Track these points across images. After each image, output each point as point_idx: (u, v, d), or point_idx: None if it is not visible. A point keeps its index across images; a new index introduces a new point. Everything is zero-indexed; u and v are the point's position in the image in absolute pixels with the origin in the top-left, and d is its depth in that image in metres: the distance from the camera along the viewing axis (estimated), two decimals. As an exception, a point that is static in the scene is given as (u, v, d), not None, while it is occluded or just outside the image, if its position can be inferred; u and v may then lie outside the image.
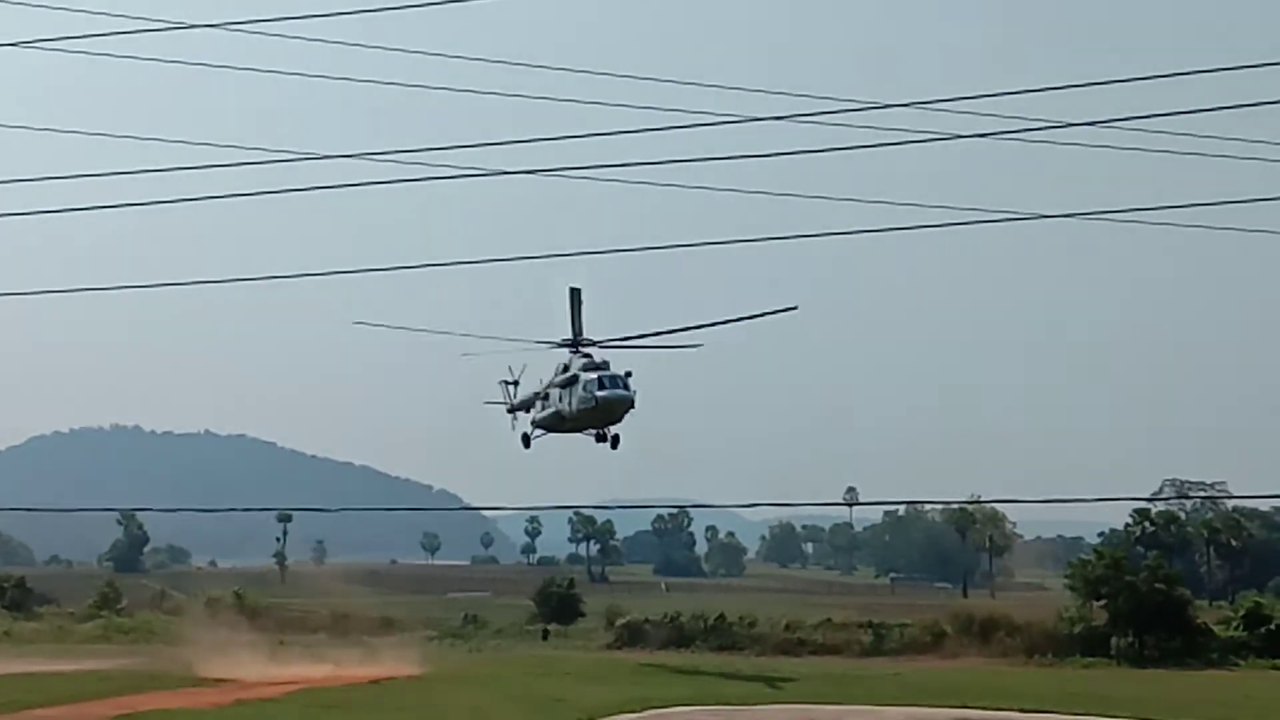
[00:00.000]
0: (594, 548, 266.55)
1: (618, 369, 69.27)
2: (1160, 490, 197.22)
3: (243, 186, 25.53)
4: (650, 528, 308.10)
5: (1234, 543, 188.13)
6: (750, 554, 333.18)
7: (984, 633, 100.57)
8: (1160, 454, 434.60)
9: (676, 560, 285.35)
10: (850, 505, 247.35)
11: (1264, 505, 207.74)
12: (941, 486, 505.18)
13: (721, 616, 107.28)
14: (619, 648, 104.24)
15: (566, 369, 70.75)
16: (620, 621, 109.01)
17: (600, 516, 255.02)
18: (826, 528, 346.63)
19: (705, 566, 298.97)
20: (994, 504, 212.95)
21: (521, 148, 24.42)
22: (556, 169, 25.97)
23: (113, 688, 67.85)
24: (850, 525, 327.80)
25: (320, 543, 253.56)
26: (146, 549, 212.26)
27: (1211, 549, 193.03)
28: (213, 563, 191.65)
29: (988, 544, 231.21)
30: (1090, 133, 24.60)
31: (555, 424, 72.56)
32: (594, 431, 71.43)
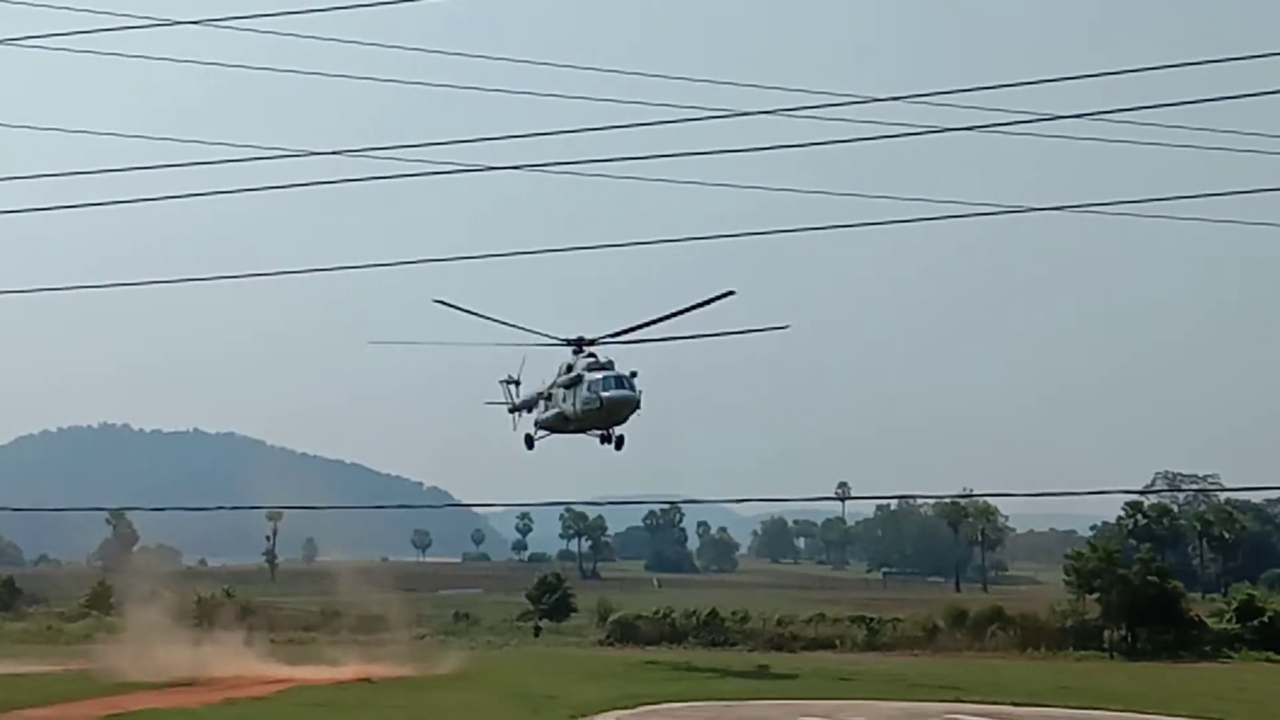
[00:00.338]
0: (585, 544, 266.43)
1: (621, 368, 68.50)
2: (1153, 483, 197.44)
3: (226, 184, 25.50)
4: (642, 524, 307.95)
5: (1226, 535, 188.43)
6: (742, 549, 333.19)
7: (977, 626, 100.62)
8: (1153, 447, 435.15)
9: (668, 556, 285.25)
10: (842, 500, 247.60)
11: (1256, 498, 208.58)
12: (933, 480, 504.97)
13: (714, 612, 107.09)
14: (611, 644, 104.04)
15: (570, 369, 69.94)
16: (612, 618, 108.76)
17: (591, 513, 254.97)
18: (818, 522, 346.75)
19: (697, 562, 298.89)
20: (986, 497, 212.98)
21: (503, 143, 24.36)
22: (541, 164, 25.90)
23: (102, 687, 67.43)
24: (842, 520, 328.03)
25: (310, 540, 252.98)
26: (136, 548, 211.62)
27: (1204, 542, 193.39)
28: (203, 561, 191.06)
29: (980, 538, 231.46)
30: (1079, 125, 24.53)
31: (559, 425, 71.76)
32: (598, 432, 70.70)
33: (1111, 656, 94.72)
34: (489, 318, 65.74)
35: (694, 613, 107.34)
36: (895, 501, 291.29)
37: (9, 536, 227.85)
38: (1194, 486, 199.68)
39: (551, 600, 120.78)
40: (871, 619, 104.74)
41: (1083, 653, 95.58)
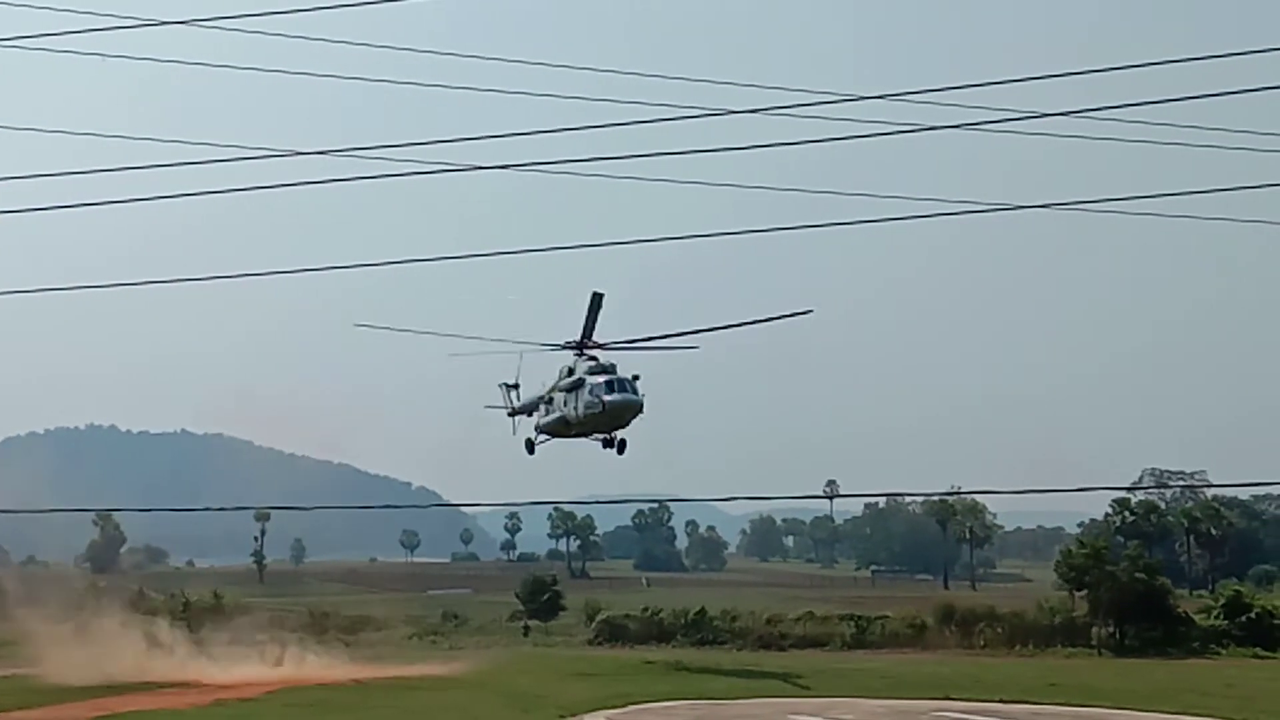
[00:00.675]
0: (574, 543, 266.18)
1: (624, 372, 67.89)
2: (1140, 480, 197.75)
3: (214, 184, 25.31)
4: (630, 523, 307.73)
5: (1214, 532, 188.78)
6: (731, 548, 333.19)
7: (965, 624, 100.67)
8: (1140, 443, 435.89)
9: (657, 555, 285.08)
10: (830, 498, 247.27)
11: (1243, 494, 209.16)
12: (921, 478, 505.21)
13: (702, 611, 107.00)
14: (600, 644, 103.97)
15: (571, 372, 69.17)
16: (600, 617, 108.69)
17: (580, 512, 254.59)
18: (807, 521, 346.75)
19: (686, 561, 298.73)
20: (974, 495, 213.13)
21: (492, 143, 24.27)
22: (531, 164, 25.62)
23: (91, 689, 67.34)
24: (830, 518, 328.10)
25: (299, 541, 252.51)
26: (124, 549, 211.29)
27: (1191, 538, 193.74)
28: (190, 563, 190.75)
29: (968, 535, 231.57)
30: (1066, 123, 24.47)
31: (560, 429, 71.00)
32: (600, 436, 70.12)
33: (1099, 653, 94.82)
34: (416, 330, 66.20)
35: (682, 612, 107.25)
36: (883, 499, 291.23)
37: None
38: (1181, 483, 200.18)
39: (540, 600, 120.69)
40: (860, 617, 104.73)
41: (1071, 650, 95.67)
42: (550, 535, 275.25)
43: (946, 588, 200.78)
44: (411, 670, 79.52)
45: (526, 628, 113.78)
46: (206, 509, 47.17)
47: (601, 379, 67.11)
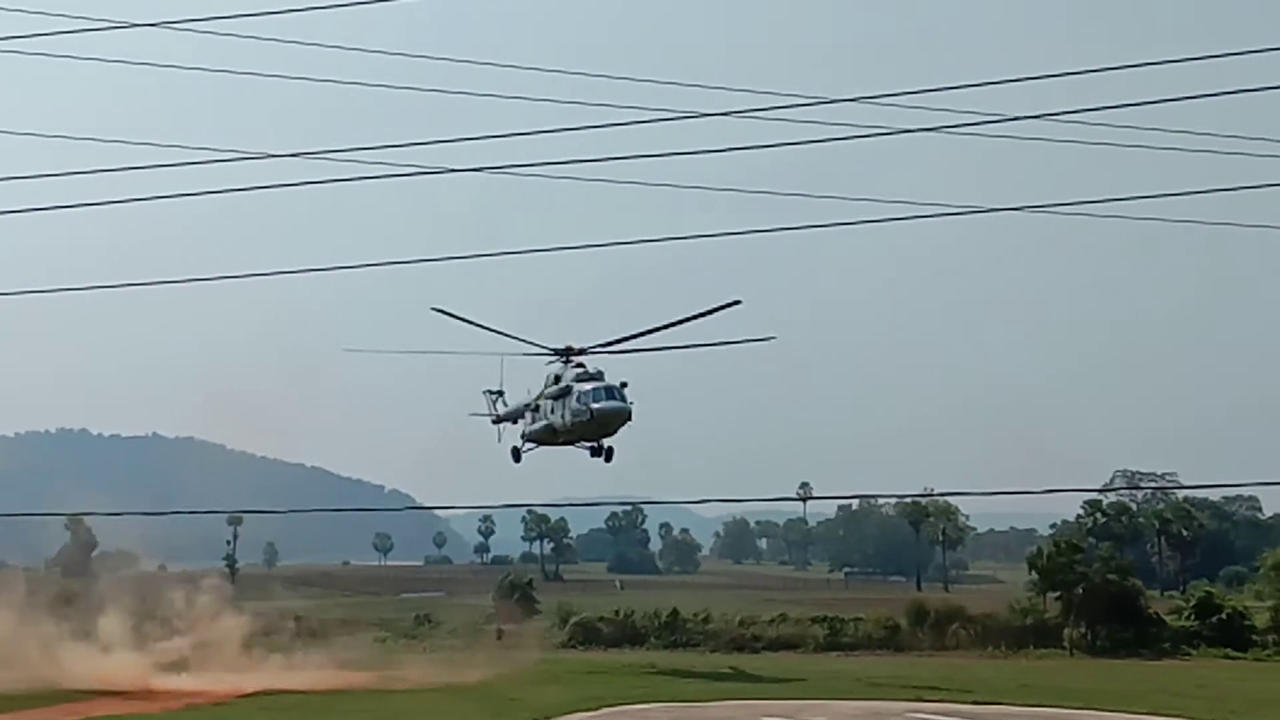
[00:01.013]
0: (548, 546, 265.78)
1: (611, 379, 67.30)
2: (1111, 481, 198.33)
3: (187, 187, 25.18)
4: (604, 525, 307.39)
5: (1185, 533, 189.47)
6: (704, 550, 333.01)
7: (938, 626, 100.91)
8: (1112, 445, 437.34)
9: (630, 558, 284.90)
10: (804, 500, 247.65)
11: (1214, 495, 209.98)
12: (894, 480, 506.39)
13: (675, 613, 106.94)
14: (573, 646, 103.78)
15: (558, 379, 68.57)
16: (573, 620, 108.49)
17: (553, 515, 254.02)
18: (780, 523, 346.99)
19: (659, 563, 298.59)
20: (946, 497, 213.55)
21: (468, 145, 24.28)
22: (504, 166, 25.79)
23: (63, 694, 66.89)
24: (804, 520, 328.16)
25: (271, 545, 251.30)
26: (95, 553, 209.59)
27: (1162, 539, 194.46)
28: (162, 567, 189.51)
29: (941, 537, 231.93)
30: (1041, 126, 24.54)
31: (547, 437, 70.09)
32: (588, 444, 69.50)
33: (1071, 654, 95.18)
34: (484, 326, 64.49)
35: (656, 614, 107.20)
36: (856, 501, 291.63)
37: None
38: (1152, 484, 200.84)
39: (514, 601, 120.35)
40: (833, 619, 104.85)
41: (1043, 651, 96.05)
42: (524, 538, 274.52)
43: (919, 589, 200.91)
44: (384, 673, 79.15)
45: (500, 631, 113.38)
46: (178, 512, 46.82)
47: (589, 386, 66.20)
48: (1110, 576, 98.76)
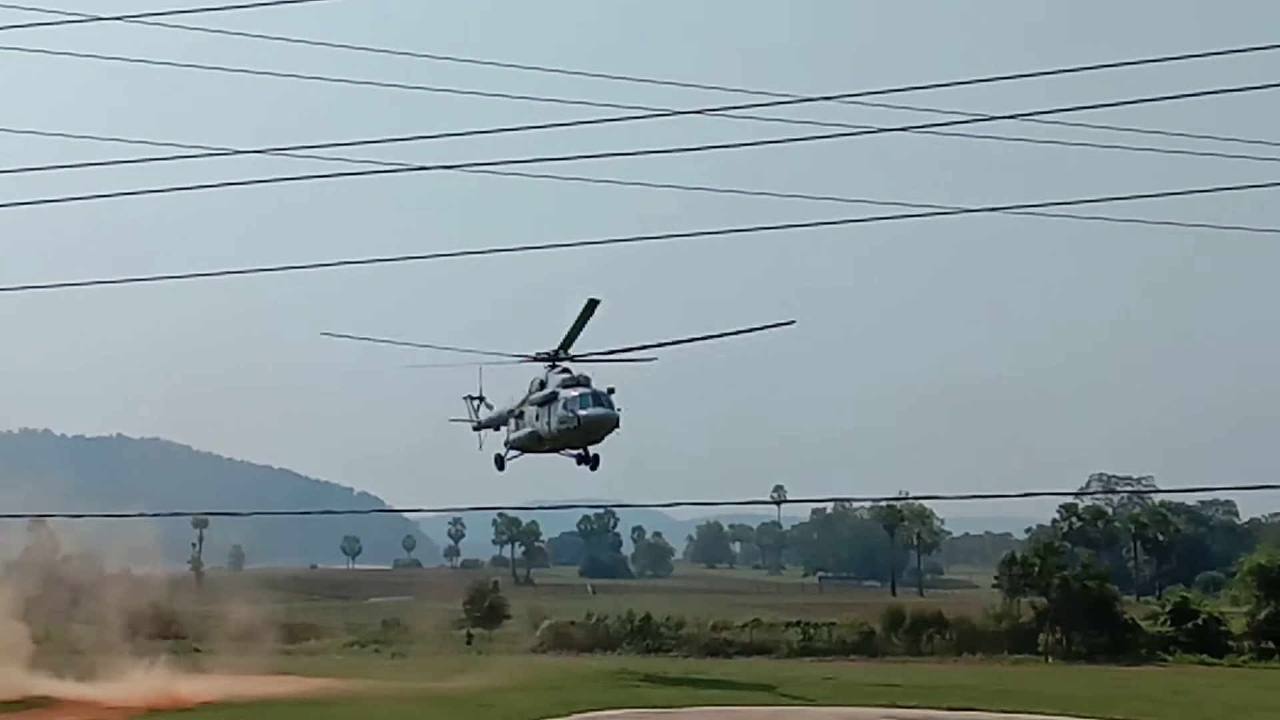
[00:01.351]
0: (519, 550, 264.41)
1: (597, 385, 66.01)
2: (1088, 485, 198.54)
3: (151, 183, 24.45)
4: (576, 529, 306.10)
5: (1161, 538, 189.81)
6: (677, 554, 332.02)
7: (913, 631, 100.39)
8: (1087, 449, 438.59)
9: (603, 561, 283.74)
10: (778, 504, 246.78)
11: (1191, 500, 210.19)
12: (869, 484, 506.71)
13: (648, 618, 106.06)
14: (544, 651, 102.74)
15: (543, 385, 67.19)
16: (545, 625, 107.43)
17: (525, 518, 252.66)
18: (754, 527, 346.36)
19: (632, 567, 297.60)
20: (922, 500, 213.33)
21: (440, 142, 23.64)
22: (477, 164, 24.91)
23: (20, 704, 65.61)
24: (778, 524, 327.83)
25: (237, 547, 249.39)
26: (59, 556, 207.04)
27: (1138, 544, 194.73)
28: (127, 569, 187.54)
29: (916, 541, 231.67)
30: (1015, 126, 23.98)
31: (532, 445, 68.74)
32: (574, 452, 68.20)
33: (1047, 660, 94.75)
34: (376, 340, 63.81)
35: (628, 619, 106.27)
36: (831, 505, 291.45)
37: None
38: (1129, 489, 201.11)
39: (484, 606, 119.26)
40: (807, 624, 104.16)
41: (1018, 656, 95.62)
42: (495, 541, 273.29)
43: (894, 594, 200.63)
44: (353, 679, 78.13)
45: (470, 635, 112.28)
46: (143, 515, 45.54)
47: (576, 392, 64.92)
48: (1088, 583, 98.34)
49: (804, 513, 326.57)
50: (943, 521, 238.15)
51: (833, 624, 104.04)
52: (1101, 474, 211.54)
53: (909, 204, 26.86)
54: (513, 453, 70.94)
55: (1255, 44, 20.40)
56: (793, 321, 62.57)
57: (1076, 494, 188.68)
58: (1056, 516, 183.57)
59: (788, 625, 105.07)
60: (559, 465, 71.22)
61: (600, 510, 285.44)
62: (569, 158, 23.41)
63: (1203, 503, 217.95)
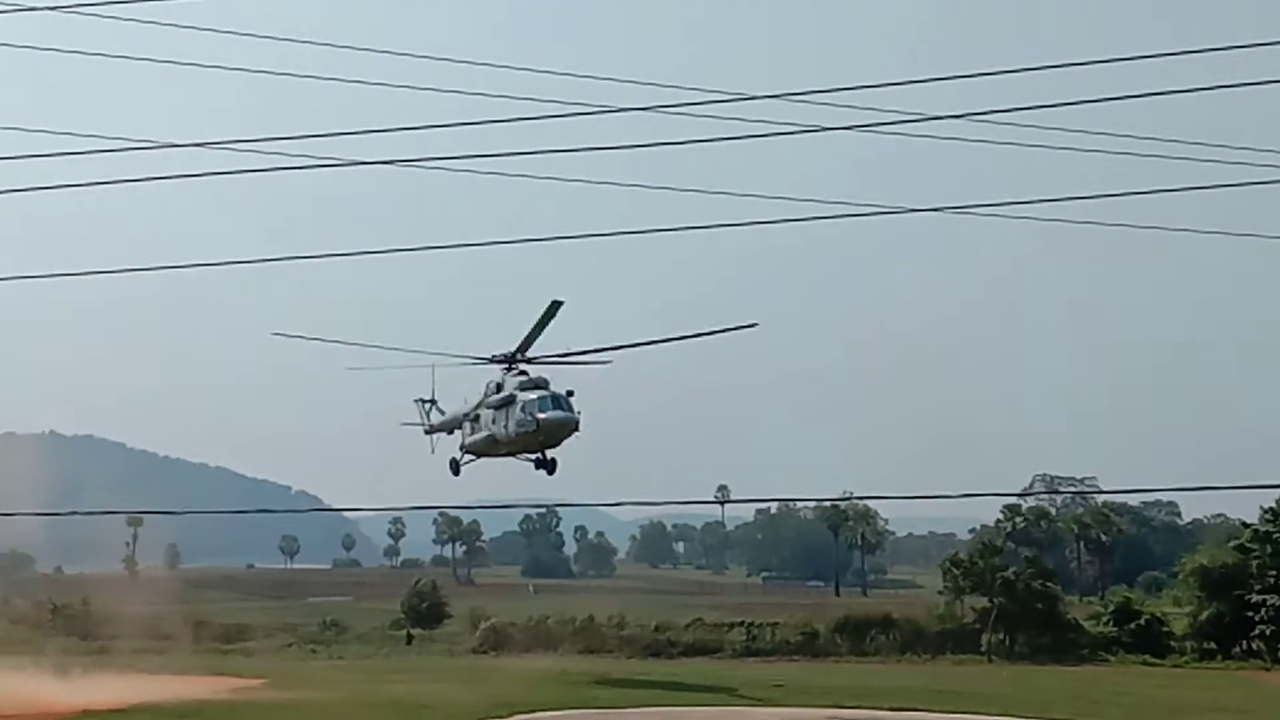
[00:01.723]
0: (460, 549, 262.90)
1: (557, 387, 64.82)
2: (1031, 485, 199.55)
3: (84, 176, 24.31)
4: (518, 528, 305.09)
5: (1104, 538, 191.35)
6: (620, 554, 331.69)
7: (856, 631, 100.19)
8: (1030, 449, 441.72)
9: (545, 561, 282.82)
10: (722, 503, 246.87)
11: (1133, 500, 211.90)
12: (814, 484, 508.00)
13: (590, 618, 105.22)
14: (485, 652, 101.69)
15: (500, 388, 66.05)
16: (485, 625, 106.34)
17: (466, 517, 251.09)
18: (698, 526, 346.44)
19: (574, 567, 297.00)
20: (866, 500, 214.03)
21: (380, 136, 23.62)
22: (417, 160, 24.59)
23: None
24: (722, 524, 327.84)
25: (173, 546, 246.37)
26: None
27: (1081, 545, 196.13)
28: (59, 569, 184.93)
29: (860, 541, 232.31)
30: (956, 126, 23.90)
31: (489, 449, 67.49)
32: (531, 456, 67.07)
33: (990, 660, 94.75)
34: (328, 340, 62.37)
35: (570, 619, 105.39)
36: (775, 505, 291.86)
37: None
38: (1072, 489, 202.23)
39: (423, 607, 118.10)
40: (751, 624, 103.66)
41: (961, 656, 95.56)
42: (435, 541, 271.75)
43: (838, 594, 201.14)
44: (290, 679, 76.91)
45: (410, 636, 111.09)
46: (75, 513, 44.41)
47: (535, 395, 63.81)
48: (1031, 583, 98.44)
49: (748, 513, 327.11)
50: (886, 522, 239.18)
51: (776, 624, 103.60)
52: (1045, 474, 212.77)
53: (855, 203, 26.96)
54: (468, 457, 69.86)
55: (1205, 45, 20.56)
56: (755, 324, 61.67)
57: (1020, 494, 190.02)
58: (1000, 517, 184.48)
59: (731, 626, 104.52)
60: (501, 463, 70.31)
61: (542, 509, 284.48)
62: (518, 153, 23.38)
63: (1145, 503, 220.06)
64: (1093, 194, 24.56)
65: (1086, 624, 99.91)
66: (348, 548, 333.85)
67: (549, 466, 66.45)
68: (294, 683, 75.34)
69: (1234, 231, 34.18)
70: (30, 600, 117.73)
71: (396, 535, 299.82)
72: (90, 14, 23.54)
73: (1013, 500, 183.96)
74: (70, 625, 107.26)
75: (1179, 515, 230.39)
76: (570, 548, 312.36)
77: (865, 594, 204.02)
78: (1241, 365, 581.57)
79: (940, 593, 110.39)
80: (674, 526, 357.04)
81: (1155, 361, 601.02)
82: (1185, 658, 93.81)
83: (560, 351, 64.45)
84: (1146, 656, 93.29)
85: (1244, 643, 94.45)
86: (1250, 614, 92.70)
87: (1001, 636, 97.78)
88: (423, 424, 74.50)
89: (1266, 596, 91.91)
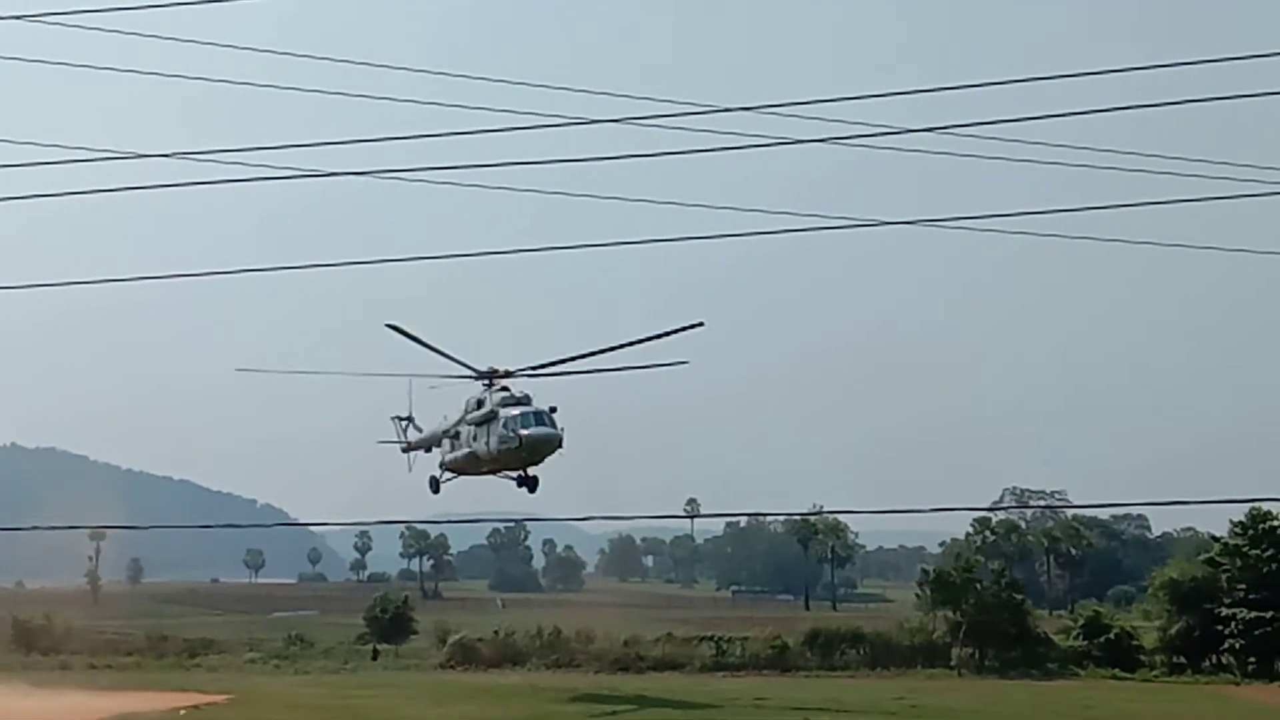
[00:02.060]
0: (427, 563, 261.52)
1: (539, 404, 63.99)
2: (1001, 499, 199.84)
3: (46, 187, 23.53)
4: (485, 542, 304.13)
5: (1073, 552, 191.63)
6: (589, 568, 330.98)
7: (826, 645, 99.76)
8: (1000, 463, 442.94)
9: (513, 575, 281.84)
10: (691, 517, 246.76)
11: (1103, 514, 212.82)
12: (783, 498, 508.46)
13: (558, 632, 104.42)
14: (452, 667, 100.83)
15: (480, 404, 65.46)
16: (452, 639, 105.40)
17: (433, 531, 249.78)
18: (667, 540, 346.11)
19: (543, 581, 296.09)
20: (835, 514, 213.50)
21: (344, 148, 23.31)
22: (381, 170, 24.54)
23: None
24: (691, 537, 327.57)
25: (136, 561, 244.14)
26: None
27: (1051, 558, 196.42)
28: (20, 583, 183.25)
29: (830, 555, 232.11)
30: (930, 139, 23.95)
31: (470, 466, 66.69)
32: (513, 474, 66.21)
33: (960, 674, 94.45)
34: (435, 349, 61.19)
35: (538, 633, 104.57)
36: (745, 519, 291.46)
37: None
38: (1042, 503, 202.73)
39: (388, 621, 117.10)
40: (720, 638, 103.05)
41: (931, 670, 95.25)
42: (402, 555, 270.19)
43: (808, 608, 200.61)
44: (254, 695, 76.09)
45: (376, 651, 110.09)
46: (38, 528, 43.65)
47: (517, 411, 63.17)
48: (1002, 597, 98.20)
49: (717, 526, 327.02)
50: (856, 535, 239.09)
51: (746, 638, 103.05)
52: (1015, 488, 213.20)
53: (826, 215, 26.82)
54: (448, 475, 69.09)
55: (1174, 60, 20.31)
56: (700, 324, 60.89)
57: (990, 508, 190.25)
58: (970, 530, 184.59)
59: (700, 640, 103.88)
60: (467, 477, 69.60)
61: (511, 523, 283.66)
62: (475, 165, 23.30)
63: (1115, 517, 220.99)
64: (1058, 208, 24.41)
65: (1056, 638, 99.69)
66: (313, 562, 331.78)
67: (530, 484, 65.74)
68: (258, 698, 74.51)
69: (1196, 245, 34.19)
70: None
71: (363, 549, 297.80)
72: (53, 24, 23.28)
73: (983, 514, 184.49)
74: (32, 640, 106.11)
75: (1149, 529, 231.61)
76: (539, 562, 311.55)
77: (835, 608, 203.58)
78: (1211, 379, 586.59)
79: (918, 603, 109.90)
80: (643, 540, 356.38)
81: (1124, 375, 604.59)
82: (1155, 672, 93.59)
83: (536, 364, 63.90)
84: (1116, 670, 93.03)
85: (1213, 657, 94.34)
86: (1220, 628, 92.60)
87: (971, 651, 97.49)
88: (399, 441, 73.75)
89: (1236, 610, 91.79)
